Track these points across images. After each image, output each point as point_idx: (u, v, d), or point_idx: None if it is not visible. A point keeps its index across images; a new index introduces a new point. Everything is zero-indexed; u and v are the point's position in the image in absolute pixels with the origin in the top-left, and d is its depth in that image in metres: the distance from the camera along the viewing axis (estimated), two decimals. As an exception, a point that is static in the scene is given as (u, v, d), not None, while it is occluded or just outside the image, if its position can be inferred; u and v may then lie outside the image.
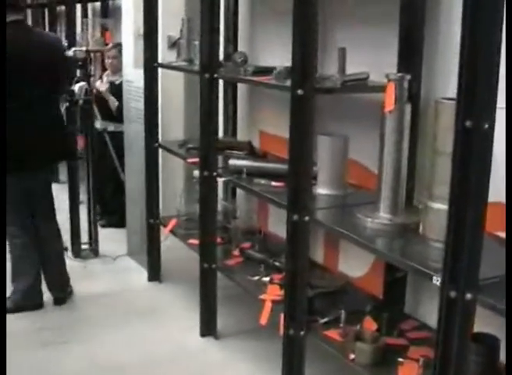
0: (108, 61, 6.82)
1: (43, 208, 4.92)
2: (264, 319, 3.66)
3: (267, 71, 3.77)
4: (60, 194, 7.41)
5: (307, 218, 3.21)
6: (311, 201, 3.32)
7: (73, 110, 5.92)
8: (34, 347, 4.38)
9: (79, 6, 8.66)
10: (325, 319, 3.45)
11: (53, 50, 4.81)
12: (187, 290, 4.97)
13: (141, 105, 5.25)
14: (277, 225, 4.59)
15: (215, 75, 4.10)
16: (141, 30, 5.10)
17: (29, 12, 10.63)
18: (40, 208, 4.90)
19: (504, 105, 2.20)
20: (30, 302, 4.85)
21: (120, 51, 6.03)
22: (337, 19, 3.88)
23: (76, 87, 5.84)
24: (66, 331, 4.59)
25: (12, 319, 4.65)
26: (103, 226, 6.63)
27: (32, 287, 4.86)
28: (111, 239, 6.29)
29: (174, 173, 5.81)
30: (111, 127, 6.51)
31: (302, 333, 3.33)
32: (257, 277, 4.03)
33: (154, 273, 5.40)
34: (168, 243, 5.25)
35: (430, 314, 3.31)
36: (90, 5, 9.05)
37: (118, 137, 6.23)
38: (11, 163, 4.48)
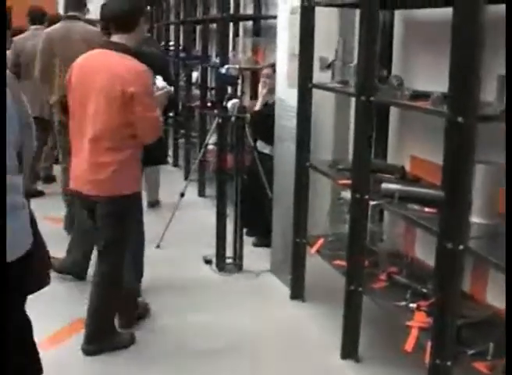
0: (262, 79, 6.90)
1: None
2: (409, 346, 3.60)
3: (424, 96, 3.74)
4: (206, 208, 7.65)
5: (461, 247, 3.16)
6: (466, 229, 3.27)
7: (225, 126, 6.07)
8: (159, 362, 4.48)
9: (231, 25, 8.84)
10: (473, 351, 3.38)
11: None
12: (330, 310, 4.97)
13: (292, 123, 5.31)
14: (425, 251, 4.54)
15: (372, 98, 4.09)
16: (296, 50, 5.17)
17: (181, 28, 10.96)
18: None
19: None
20: None
21: (275, 71, 6.06)
22: (495, 45, 3.80)
23: (229, 104, 5.98)
24: (203, 342, 4.70)
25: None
26: (255, 245, 6.71)
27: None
28: (255, 254, 6.38)
29: (320, 193, 5.83)
30: (266, 150, 6.55)
31: (449, 363, 3.27)
32: (403, 303, 3.99)
33: (298, 292, 5.41)
34: (312, 262, 5.25)
35: None
36: (241, 24, 9.23)
37: (267, 158, 6.31)
38: None
